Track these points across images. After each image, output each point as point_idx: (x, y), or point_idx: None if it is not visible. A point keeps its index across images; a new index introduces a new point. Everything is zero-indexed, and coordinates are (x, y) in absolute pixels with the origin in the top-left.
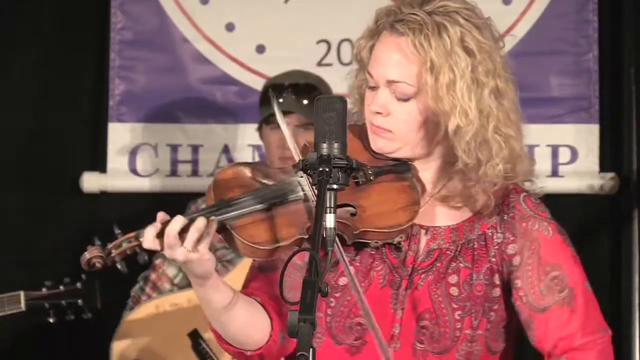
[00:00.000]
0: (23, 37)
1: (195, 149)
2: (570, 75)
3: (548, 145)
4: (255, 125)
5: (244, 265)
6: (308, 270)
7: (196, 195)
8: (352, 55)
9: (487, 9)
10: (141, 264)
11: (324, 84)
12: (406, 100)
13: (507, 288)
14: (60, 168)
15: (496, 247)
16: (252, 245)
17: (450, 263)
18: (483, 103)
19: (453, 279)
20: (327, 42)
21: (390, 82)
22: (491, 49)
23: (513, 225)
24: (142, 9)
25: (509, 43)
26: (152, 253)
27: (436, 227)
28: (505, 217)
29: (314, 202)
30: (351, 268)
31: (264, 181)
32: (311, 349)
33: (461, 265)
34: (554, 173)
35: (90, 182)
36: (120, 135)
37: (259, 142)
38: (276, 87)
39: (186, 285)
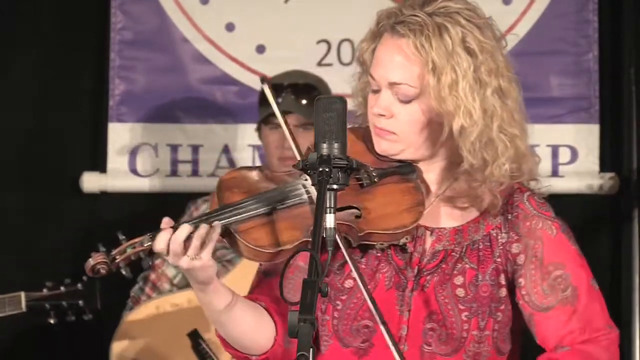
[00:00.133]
0: (23, 37)
1: (195, 149)
2: (571, 75)
3: (548, 145)
4: (255, 126)
5: (243, 265)
6: (308, 270)
7: (196, 195)
8: (354, 58)
9: (487, 9)
10: (145, 269)
11: (323, 83)
12: (409, 102)
13: (513, 288)
14: (60, 168)
15: (501, 247)
16: (257, 248)
17: (455, 264)
18: (487, 103)
19: (459, 280)
20: (327, 42)
21: (392, 84)
22: (493, 48)
23: (517, 224)
24: (142, 9)
25: (510, 42)
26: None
27: (441, 228)
28: (509, 217)
29: None
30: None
31: (268, 184)
32: (311, 349)
33: (467, 266)
34: (554, 173)
35: (90, 182)
36: (120, 135)
37: (259, 142)
38: (275, 87)
39: (186, 285)
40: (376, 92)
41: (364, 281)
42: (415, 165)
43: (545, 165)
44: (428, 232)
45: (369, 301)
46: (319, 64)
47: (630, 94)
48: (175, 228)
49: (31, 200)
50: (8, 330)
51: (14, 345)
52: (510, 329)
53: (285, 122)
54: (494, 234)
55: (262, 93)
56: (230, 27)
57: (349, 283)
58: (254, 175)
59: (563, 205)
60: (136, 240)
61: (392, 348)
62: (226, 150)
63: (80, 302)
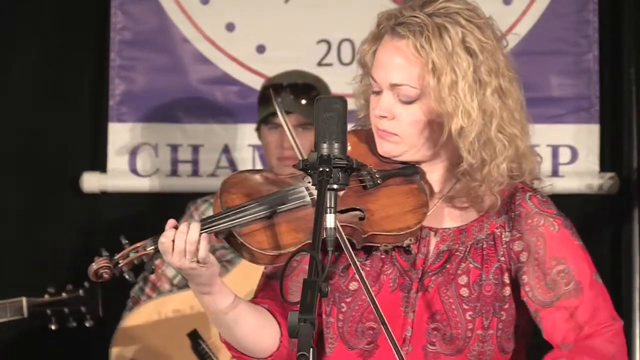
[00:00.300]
0: (23, 37)
1: (195, 149)
2: (571, 75)
3: (548, 145)
4: (255, 125)
5: (243, 265)
6: (308, 270)
7: (196, 195)
8: (355, 59)
9: (488, 9)
10: (149, 273)
11: (322, 83)
12: (410, 103)
13: (516, 286)
14: (60, 168)
15: (504, 246)
16: (260, 251)
17: (459, 264)
18: (486, 103)
19: (463, 279)
20: (327, 42)
21: (393, 86)
22: (494, 48)
23: (519, 222)
24: (142, 9)
25: (510, 42)
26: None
27: (445, 228)
28: (512, 215)
29: None
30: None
31: (271, 187)
32: (311, 349)
33: (471, 265)
34: (554, 173)
35: (90, 182)
36: (120, 135)
37: (259, 142)
38: (275, 87)
39: (185, 285)
40: (378, 93)
41: (365, 281)
42: (418, 166)
43: (545, 165)
44: (432, 233)
45: (370, 301)
46: (319, 64)
47: (630, 94)
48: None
49: (31, 200)
50: (8, 331)
51: (14, 345)
52: (515, 328)
53: (288, 126)
54: (498, 233)
55: (262, 93)
56: (230, 27)
57: (353, 285)
58: (257, 178)
59: (563, 205)
60: (139, 244)
61: (394, 350)
62: (226, 150)
63: (82, 309)
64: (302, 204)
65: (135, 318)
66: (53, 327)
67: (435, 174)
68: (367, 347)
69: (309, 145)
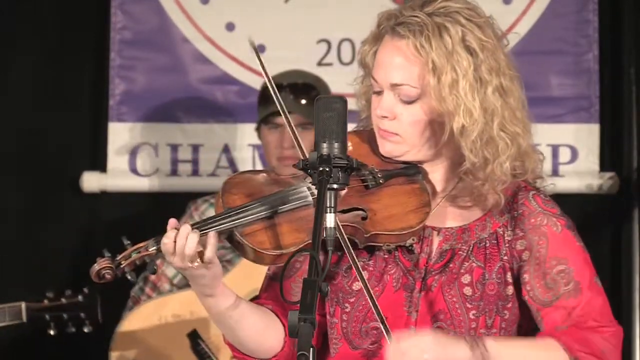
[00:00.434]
0: (23, 37)
1: (195, 148)
2: (571, 75)
3: (548, 145)
4: (255, 125)
5: (243, 265)
6: (308, 270)
7: (196, 195)
8: (357, 61)
9: (488, 8)
10: (151, 273)
11: (322, 83)
12: (411, 102)
13: (519, 285)
14: (60, 168)
15: (507, 245)
16: (261, 251)
17: (462, 263)
18: (487, 101)
19: (466, 278)
20: (327, 41)
21: (394, 86)
22: (494, 47)
23: (522, 221)
24: (142, 9)
25: (511, 41)
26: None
27: (448, 228)
28: (515, 214)
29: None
30: (364, 273)
31: (273, 187)
32: (311, 349)
33: (474, 264)
34: (554, 173)
35: (90, 181)
36: (120, 135)
37: (259, 141)
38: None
39: (185, 285)
40: (379, 94)
41: (365, 281)
42: (421, 166)
43: (545, 165)
44: (435, 232)
45: (370, 301)
46: (319, 63)
47: (630, 94)
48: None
49: (31, 200)
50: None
51: (13, 348)
52: (518, 327)
53: (288, 121)
54: (501, 232)
55: (262, 93)
56: (230, 26)
57: (357, 285)
58: (259, 178)
59: (563, 205)
60: (141, 245)
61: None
62: (226, 149)
63: (81, 314)
64: (303, 203)
65: (135, 318)
66: (52, 333)
67: (437, 173)
68: (371, 347)
69: (309, 145)
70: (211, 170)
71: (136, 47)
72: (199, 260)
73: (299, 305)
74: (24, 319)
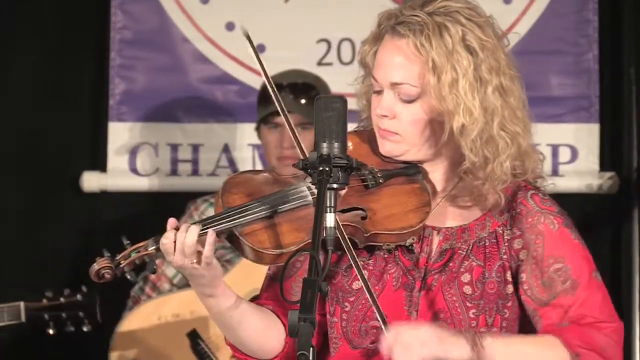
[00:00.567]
0: (23, 37)
1: (195, 148)
2: (571, 74)
3: (548, 145)
4: (255, 125)
5: (243, 265)
6: (308, 269)
7: (196, 195)
8: (357, 61)
9: (487, 8)
10: (150, 273)
11: (321, 82)
12: (411, 101)
13: (517, 284)
14: (60, 168)
15: (506, 244)
16: (261, 250)
17: (462, 262)
18: (487, 101)
19: (466, 277)
20: (327, 41)
21: (394, 85)
22: (494, 46)
23: (520, 220)
24: (142, 9)
25: (511, 41)
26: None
27: (448, 227)
28: (513, 214)
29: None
30: (364, 272)
31: (273, 187)
32: (311, 349)
33: (473, 263)
34: (554, 172)
35: (90, 181)
36: (120, 134)
37: (259, 141)
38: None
39: (185, 285)
40: (379, 93)
41: (365, 280)
42: (421, 166)
43: (545, 165)
44: (435, 232)
45: (370, 298)
46: (319, 63)
47: (630, 93)
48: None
49: (31, 200)
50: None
51: (12, 348)
52: (519, 326)
53: (287, 120)
54: (500, 231)
55: (261, 92)
56: (230, 26)
57: (357, 284)
58: (259, 178)
59: (563, 205)
60: (140, 244)
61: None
62: (226, 149)
63: (80, 314)
64: (303, 203)
65: (135, 317)
66: (51, 332)
67: (437, 173)
68: (371, 346)
69: (308, 145)
70: (211, 170)
71: (136, 47)
72: (196, 260)
73: (299, 305)
74: (23, 318)
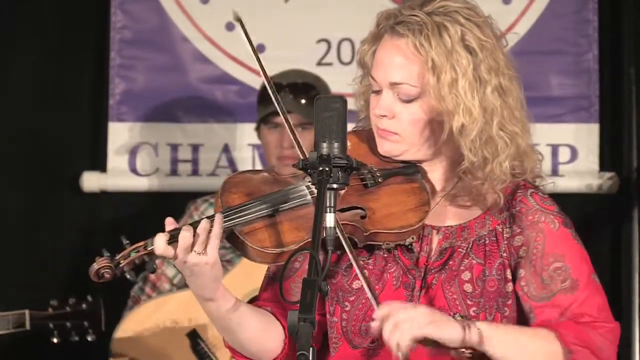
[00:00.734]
0: (23, 37)
1: (195, 148)
2: (570, 74)
3: (548, 145)
4: (255, 125)
5: (243, 265)
6: (308, 269)
7: (196, 195)
8: (356, 61)
9: (487, 8)
10: (150, 272)
11: (321, 83)
12: (410, 101)
13: (514, 279)
14: (60, 168)
15: (506, 241)
16: (261, 249)
17: (462, 260)
18: (486, 100)
19: (466, 275)
20: (327, 41)
21: (393, 85)
22: (493, 46)
23: (520, 218)
24: (142, 8)
25: (510, 41)
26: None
27: (447, 226)
28: (513, 212)
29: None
30: (364, 271)
31: (273, 186)
32: (311, 349)
33: (473, 261)
34: (554, 172)
35: (90, 181)
36: (120, 134)
37: (259, 141)
38: (274, 86)
39: (185, 285)
40: (378, 93)
41: (367, 279)
42: (420, 165)
43: (545, 165)
44: (434, 231)
45: (371, 295)
46: (319, 63)
47: (630, 93)
48: (174, 234)
49: (31, 200)
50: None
51: (12, 347)
52: (518, 323)
53: (287, 120)
54: (500, 230)
55: (261, 92)
56: (230, 26)
57: (357, 284)
58: (259, 177)
59: (563, 205)
60: (140, 244)
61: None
62: (226, 149)
63: (85, 323)
64: (303, 202)
65: (135, 317)
66: (55, 341)
67: (436, 172)
68: (371, 345)
69: (308, 145)
70: (211, 170)
71: (136, 47)
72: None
73: (298, 305)
74: (28, 326)
